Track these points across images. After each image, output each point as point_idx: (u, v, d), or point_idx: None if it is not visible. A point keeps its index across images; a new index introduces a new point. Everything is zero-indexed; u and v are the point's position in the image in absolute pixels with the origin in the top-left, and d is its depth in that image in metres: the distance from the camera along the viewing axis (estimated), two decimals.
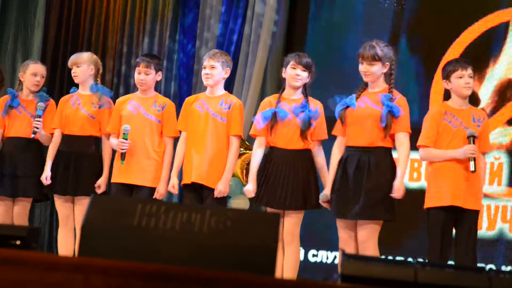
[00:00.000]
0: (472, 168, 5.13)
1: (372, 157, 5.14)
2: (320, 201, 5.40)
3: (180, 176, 5.81)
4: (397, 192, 5.13)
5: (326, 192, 5.37)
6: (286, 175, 5.41)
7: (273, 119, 5.47)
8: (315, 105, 5.50)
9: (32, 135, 6.09)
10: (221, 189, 5.60)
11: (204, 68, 5.74)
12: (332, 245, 6.98)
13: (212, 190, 5.61)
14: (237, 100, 5.81)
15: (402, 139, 5.21)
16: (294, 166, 5.42)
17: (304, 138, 5.42)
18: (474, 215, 5.26)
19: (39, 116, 6.12)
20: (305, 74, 5.50)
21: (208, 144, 5.64)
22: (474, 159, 5.13)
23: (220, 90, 5.80)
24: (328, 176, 5.39)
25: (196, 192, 5.67)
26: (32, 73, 6.36)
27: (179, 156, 5.77)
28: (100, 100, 6.09)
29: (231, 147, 5.69)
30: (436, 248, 5.22)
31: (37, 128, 6.07)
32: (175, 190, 5.77)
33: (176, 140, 5.93)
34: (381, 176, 5.13)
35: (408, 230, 7.02)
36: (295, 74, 5.49)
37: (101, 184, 5.99)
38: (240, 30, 7.85)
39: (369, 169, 5.11)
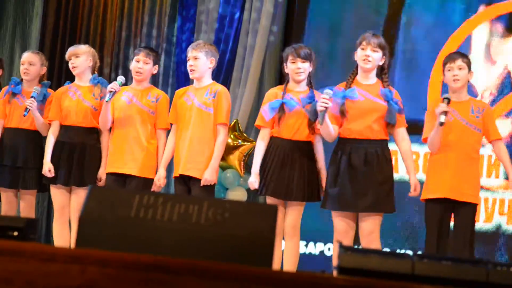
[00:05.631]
0: (440, 120, 5.09)
1: (379, 150, 5.14)
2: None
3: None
4: (417, 188, 5.25)
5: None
6: (291, 166, 5.39)
7: (281, 110, 5.44)
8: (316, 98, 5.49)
9: (25, 113, 6.06)
10: (207, 177, 5.56)
11: (188, 60, 5.72)
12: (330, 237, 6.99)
13: (198, 180, 5.57)
14: (222, 88, 5.76)
15: (404, 134, 5.28)
16: (299, 157, 5.40)
17: (312, 129, 5.39)
18: (472, 208, 5.27)
19: (33, 97, 6.09)
20: (306, 65, 5.47)
21: (193, 135, 5.61)
22: (445, 113, 5.09)
23: (207, 81, 5.75)
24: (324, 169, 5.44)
25: (185, 184, 5.64)
26: (21, 62, 6.37)
27: (168, 148, 5.77)
28: (102, 92, 6.09)
29: (217, 136, 5.65)
30: (433, 240, 5.23)
31: (30, 107, 6.03)
32: (160, 183, 5.75)
33: (168, 132, 5.93)
34: (389, 169, 5.17)
35: (405, 222, 7.03)
36: (297, 68, 5.45)
37: (101, 176, 6.00)
38: (238, 22, 7.83)
39: (378, 162, 5.12)
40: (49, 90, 6.32)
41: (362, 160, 5.11)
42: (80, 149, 6.04)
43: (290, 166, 5.39)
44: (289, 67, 5.48)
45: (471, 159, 5.29)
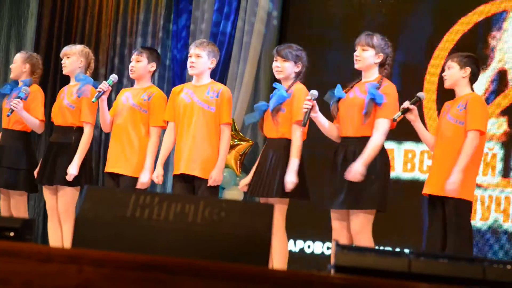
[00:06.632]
0: (393, 116, 5.09)
1: (357, 148, 5.10)
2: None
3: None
4: (354, 173, 4.99)
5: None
6: (265, 164, 5.42)
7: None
8: (290, 88, 5.42)
9: (8, 114, 6.06)
10: (215, 177, 5.54)
11: (190, 56, 5.70)
12: (324, 236, 6.98)
13: (204, 180, 5.55)
14: (224, 87, 5.75)
15: (379, 124, 5.09)
16: (274, 155, 5.39)
17: (277, 125, 5.38)
18: (456, 203, 5.10)
19: (20, 98, 6.07)
20: (286, 64, 5.45)
21: (196, 134, 5.58)
22: (403, 112, 5.11)
23: (206, 79, 5.73)
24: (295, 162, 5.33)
25: (186, 183, 5.61)
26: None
27: (165, 146, 5.75)
28: (79, 89, 6.05)
29: (222, 136, 5.64)
30: (427, 236, 5.23)
31: (15, 107, 6.01)
32: (159, 180, 5.71)
33: (163, 130, 5.91)
34: (370, 167, 5.04)
35: (401, 220, 7.02)
36: (275, 66, 5.49)
37: (68, 171, 5.90)
38: (233, 24, 7.84)
39: (353, 159, 5.09)
40: (33, 87, 6.28)
41: (341, 159, 5.13)
42: (57, 149, 6.04)
43: (264, 164, 5.42)
44: (273, 64, 5.53)
45: (456, 154, 5.10)
